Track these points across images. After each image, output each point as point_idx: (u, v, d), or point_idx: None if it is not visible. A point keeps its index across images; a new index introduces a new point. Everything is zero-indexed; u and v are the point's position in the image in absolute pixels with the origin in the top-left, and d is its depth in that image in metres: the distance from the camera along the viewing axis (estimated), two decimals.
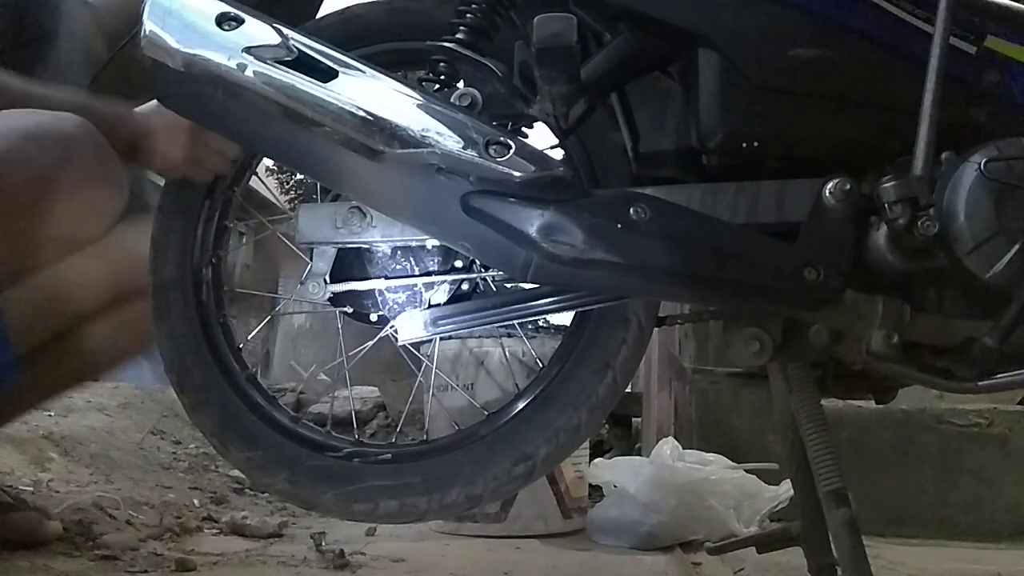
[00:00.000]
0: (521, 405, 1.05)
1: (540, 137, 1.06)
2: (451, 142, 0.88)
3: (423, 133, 0.88)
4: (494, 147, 0.87)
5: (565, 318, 1.10)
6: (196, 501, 2.15)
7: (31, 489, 1.84)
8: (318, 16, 1.21)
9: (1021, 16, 0.94)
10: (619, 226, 0.89)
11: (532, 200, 0.90)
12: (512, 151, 0.87)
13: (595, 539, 1.97)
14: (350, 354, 1.16)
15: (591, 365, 1.03)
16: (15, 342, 1.41)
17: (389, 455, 1.06)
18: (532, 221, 0.89)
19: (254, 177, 1.23)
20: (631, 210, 0.90)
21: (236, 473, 2.51)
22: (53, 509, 1.65)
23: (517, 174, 0.88)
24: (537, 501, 1.99)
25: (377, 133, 0.88)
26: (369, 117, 0.88)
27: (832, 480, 0.94)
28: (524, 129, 1.07)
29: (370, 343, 1.15)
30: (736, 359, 0.94)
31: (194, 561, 1.52)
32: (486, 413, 1.08)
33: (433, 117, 0.89)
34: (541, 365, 1.09)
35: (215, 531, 1.89)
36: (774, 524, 1.78)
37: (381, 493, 1.02)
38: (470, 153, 0.87)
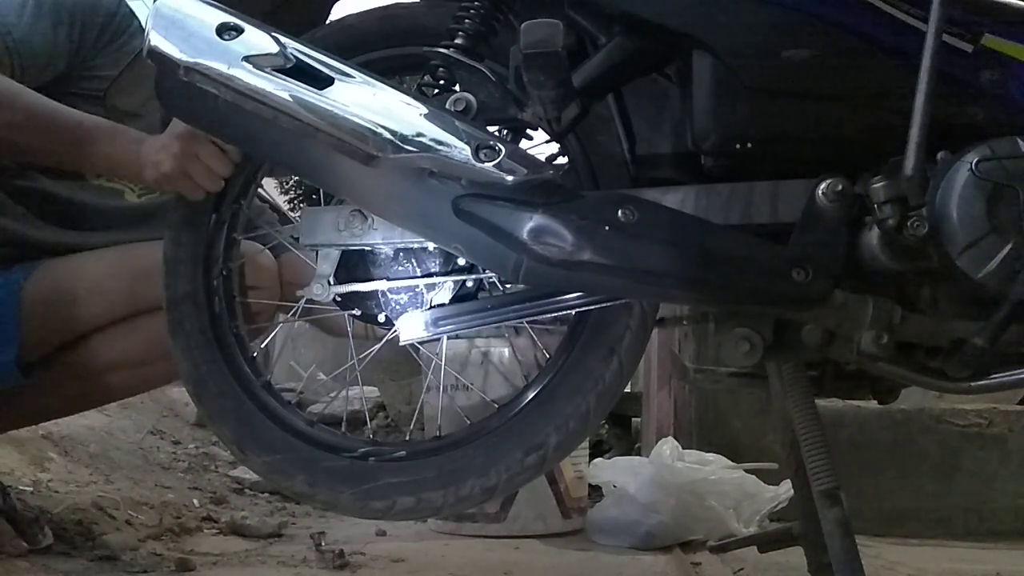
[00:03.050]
0: (530, 396, 1.06)
1: (543, 140, 1.07)
2: (443, 146, 0.89)
3: (416, 138, 0.89)
4: (484, 151, 0.89)
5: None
6: (196, 501, 2.16)
7: (31, 489, 1.84)
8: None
9: (1019, 13, 0.94)
10: (607, 228, 0.90)
11: (522, 203, 0.91)
12: (502, 155, 0.89)
13: (594, 539, 1.97)
14: (360, 356, 1.17)
15: (596, 352, 1.04)
16: (25, 342, 1.44)
17: (403, 452, 1.08)
18: (522, 223, 0.90)
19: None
20: (619, 212, 0.91)
21: (236, 473, 2.52)
22: (53, 509, 1.65)
23: (507, 177, 0.89)
24: (537, 501, 1.99)
25: (371, 138, 0.89)
26: (363, 123, 0.90)
27: (825, 480, 0.95)
28: (529, 131, 1.08)
29: (377, 346, 1.16)
30: (727, 359, 0.94)
31: (194, 561, 1.53)
32: (496, 406, 1.09)
33: (426, 122, 0.91)
34: (547, 356, 1.10)
35: (215, 531, 1.90)
36: (774, 524, 1.78)
37: (397, 490, 1.04)
38: (461, 157, 0.89)
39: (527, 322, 1.12)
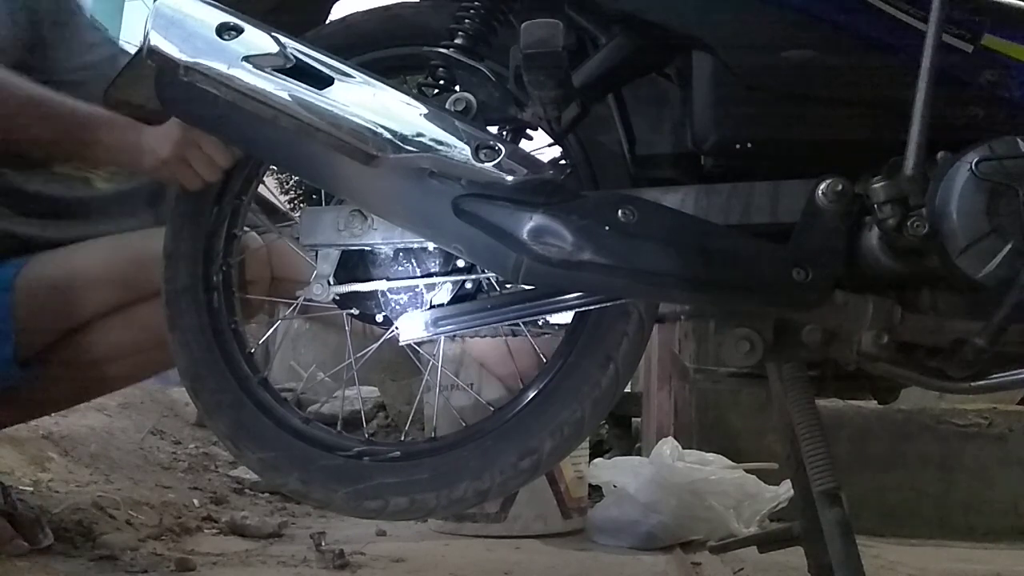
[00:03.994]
0: (526, 400, 1.06)
1: (545, 140, 1.07)
2: (443, 146, 0.89)
3: (415, 138, 0.90)
4: (484, 151, 0.89)
5: (566, 317, 1.11)
6: (196, 501, 2.16)
7: (31, 489, 1.84)
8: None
9: (1019, 13, 0.94)
10: (607, 228, 0.90)
11: (522, 203, 0.91)
12: (502, 155, 0.89)
13: (595, 539, 1.97)
14: (358, 355, 1.17)
15: (593, 358, 1.04)
16: (20, 338, 1.44)
17: (398, 453, 1.08)
18: (522, 224, 0.91)
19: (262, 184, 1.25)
20: (619, 212, 0.91)
21: (236, 473, 2.52)
22: (53, 509, 1.65)
23: (507, 177, 0.89)
24: (537, 501, 1.99)
25: (371, 138, 0.89)
26: (363, 123, 0.90)
27: (825, 480, 0.95)
28: (529, 131, 1.08)
29: (375, 345, 1.16)
30: (728, 359, 0.94)
31: (194, 561, 1.53)
32: (492, 409, 1.09)
33: (426, 122, 0.91)
34: (544, 360, 1.09)
35: (215, 531, 1.90)
36: (774, 524, 1.78)
37: (391, 490, 1.04)
38: (461, 157, 0.89)
39: (523, 324, 1.12)
